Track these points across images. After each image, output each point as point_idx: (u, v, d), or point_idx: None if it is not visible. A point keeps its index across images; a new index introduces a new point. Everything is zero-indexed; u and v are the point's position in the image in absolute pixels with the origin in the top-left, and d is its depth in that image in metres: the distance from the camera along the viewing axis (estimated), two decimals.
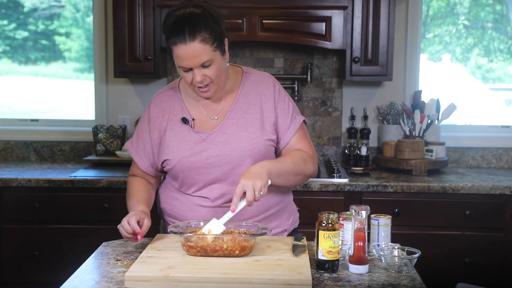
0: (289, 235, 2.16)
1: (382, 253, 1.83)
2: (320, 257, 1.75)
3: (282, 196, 2.14)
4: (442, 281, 3.14)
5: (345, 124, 3.77)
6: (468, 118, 4.08)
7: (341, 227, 1.88)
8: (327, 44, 3.38)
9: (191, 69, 1.94)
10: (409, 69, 3.75)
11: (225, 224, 1.86)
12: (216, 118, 2.07)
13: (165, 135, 2.07)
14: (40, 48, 4.12)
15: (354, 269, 1.76)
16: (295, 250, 1.84)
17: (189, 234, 1.82)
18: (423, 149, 3.46)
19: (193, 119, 2.07)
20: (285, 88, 2.29)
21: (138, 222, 1.92)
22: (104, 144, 3.63)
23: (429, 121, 3.58)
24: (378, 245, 1.90)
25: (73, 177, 3.22)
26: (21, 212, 3.23)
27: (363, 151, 3.57)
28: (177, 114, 2.09)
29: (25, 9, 4.05)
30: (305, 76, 3.64)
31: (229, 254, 1.79)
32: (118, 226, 1.94)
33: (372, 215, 1.95)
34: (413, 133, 3.57)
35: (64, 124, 3.94)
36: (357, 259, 1.76)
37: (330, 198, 3.16)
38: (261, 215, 2.07)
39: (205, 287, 1.62)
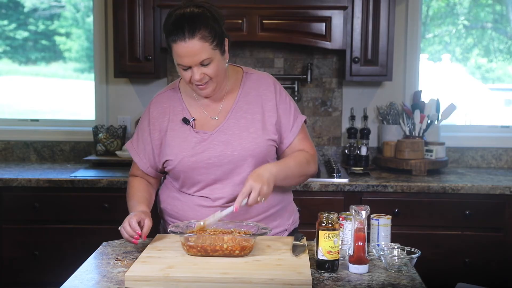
0: (289, 234, 2.17)
1: (382, 253, 1.83)
2: (320, 257, 1.75)
3: (282, 196, 2.15)
4: (442, 281, 3.14)
5: (345, 124, 3.77)
6: (468, 118, 4.08)
7: (341, 227, 1.88)
8: (327, 44, 3.38)
9: (190, 67, 1.94)
10: (409, 69, 3.75)
11: (225, 224, 1.87)
12: (217, 118, 2.08)
13: (166, 136, 2.08)
14: (40, 48, 4.12)
15: (354, 269, 1.76)
16: (295, 250, 1.84)
17: (189, 234, 1.82)
18: (423, 149, 3.46)
19: (194, 119, 2.07)
20: (285, 88, 2.29)
21: (139, 223, 1.92)
22: (104, 144, 3.63)
23: (429, 121, 3.58)
24: (378, 245, 1.91)
25: (73, 177, 3.22)
26: (21, 212, 3.23)
27: (363, 151, 3.57)
28: (178, 114, 2.09)
29: (25, 9, 4.05)
30: (305, 76, 3.64)
31: (229, 254, 1.79)
32: (119, 228, 1.95)
33: (372, 215, 1.95)
34: (413, 133, 3.56)
35: (64, 124, 3.94)
36: (357, 259, 1.76)
37: (330, 198, 3.17)
38: (261, 214, 2.07)
39: (205, 287, 1.63)
